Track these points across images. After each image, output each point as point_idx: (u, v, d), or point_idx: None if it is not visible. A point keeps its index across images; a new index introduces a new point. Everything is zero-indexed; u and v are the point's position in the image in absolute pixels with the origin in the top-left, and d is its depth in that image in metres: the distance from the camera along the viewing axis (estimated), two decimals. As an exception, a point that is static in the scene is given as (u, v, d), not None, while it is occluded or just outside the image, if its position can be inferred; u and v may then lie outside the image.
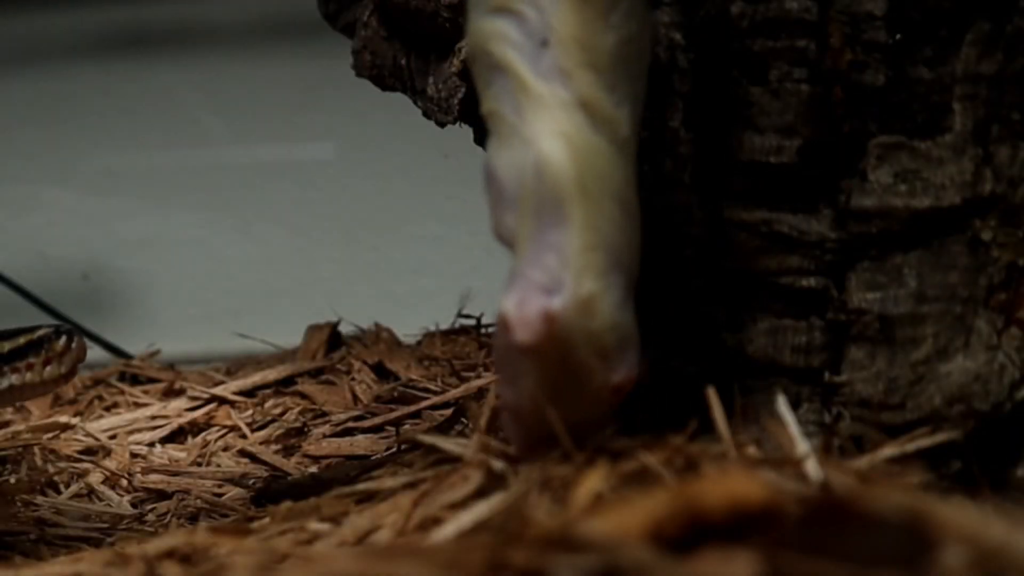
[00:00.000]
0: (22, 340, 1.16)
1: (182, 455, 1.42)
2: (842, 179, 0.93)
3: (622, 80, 0.86)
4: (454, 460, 0.88)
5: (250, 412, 1.50)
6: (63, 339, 1.17)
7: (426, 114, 1.26)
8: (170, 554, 0.86)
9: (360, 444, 1.39)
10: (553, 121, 0.84)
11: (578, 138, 0.84)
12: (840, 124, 0.93)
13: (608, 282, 0.84)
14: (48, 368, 1.16)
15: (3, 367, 1.16)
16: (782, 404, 0.87)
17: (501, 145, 0.87)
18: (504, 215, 0.88)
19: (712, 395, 0.86)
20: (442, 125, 1.24)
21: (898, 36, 0.91)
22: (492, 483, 0.83)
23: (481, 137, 1.25)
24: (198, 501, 1.28)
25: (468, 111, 1.21)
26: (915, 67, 0.92)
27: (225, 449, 1.42)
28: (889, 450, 0.85)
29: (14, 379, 1.15)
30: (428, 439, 0.90)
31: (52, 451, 1.40)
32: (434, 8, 1.19)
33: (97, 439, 1.43)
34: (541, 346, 0.84)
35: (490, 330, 1.69)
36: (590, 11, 0.85)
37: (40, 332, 1.17)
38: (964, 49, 0.92)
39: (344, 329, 1.72)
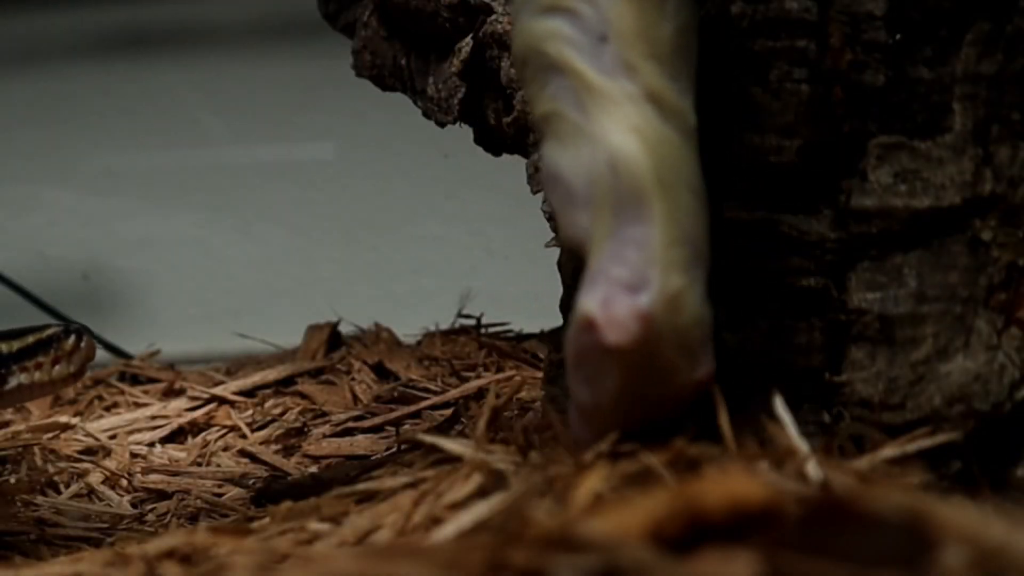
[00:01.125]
0: (31, 339, 1.16)
1: (182, 455, 1.42)
2: (842, 179, 0.93)
3: (683, 69, 0.84)
4: (454, 460, 0.88)
5: (250, 412, 1.50)
6: (72, 338, 1.16)
7: (426, 114, 1.26)
8: (170, 554, 0.86)
9: (360, 444, 1.39)
10: (623, 116, 0.83)
11: (650, 131, 0.83)
12: (840, 124, 0.93)
13: (693, 276, 0.83)
14: (57, 367, 1.15)
15: (12, 366, 1.15)
16: (780, 405, 0.87)
17: (564, 146, 0.85)
18: (576, 216, 0.85)
19: (718, 394, 0.86)
20: (442, 125, 1.25)
21: (898, 36, 0.91)
22: (492, 483, 0.83)
23: (481, 137, 1.25)
24: (198, 501, 1.28)
25: (468, 111, 1.21)
26: (915, 67, 0.92)
27: (225, 449, 1.42)
28: (889, 450, 0.85)
29: (23, 378, 1.15)
30: (428, 439, 0.90)
31: (52, 451, 1.40)
32: (434, 8, 1.19)
33: (97, 439, 1.43)
34: (632, 346, 0.82)
35: (490, 330, 1.69)
36: (647, 2, 0.83)
37: (49, 331, 1.17)
38: (964, 49, 0.92)
39: (344, 329, 1.72)
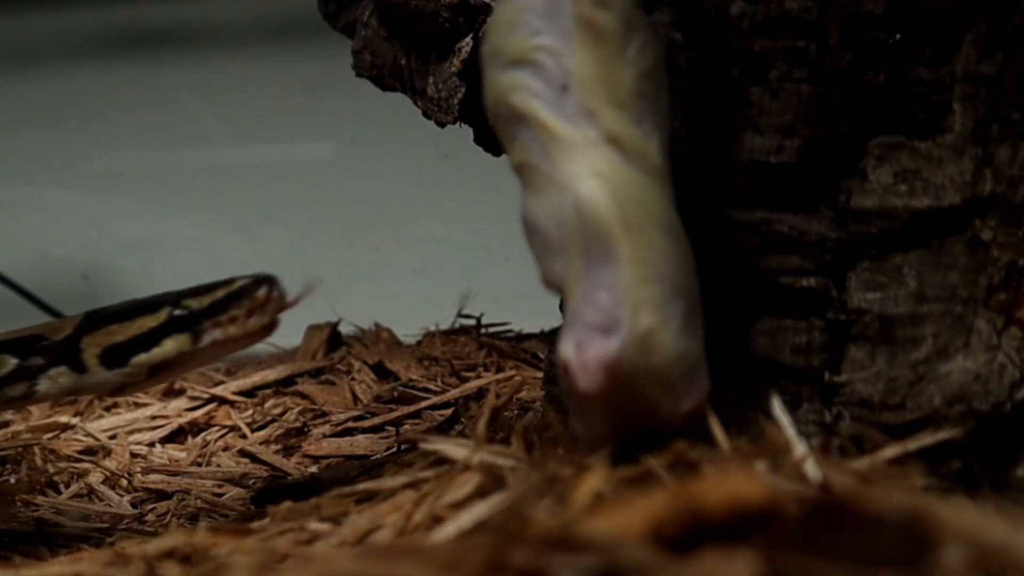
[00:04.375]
0: (220, 293, 1.10)
1: (182, 455, 1.42)
2: (842, 179, 0.93)
3: (647, 112, 0.86)
4: (454, 460, 0.88)
5: (250, 412, 1.50)
6: (264, 288, 1.11)
7: (426, 114, 1.26)
8: (170, 554, 0.86)
9: (360, 444, 1.39)
10: (586, 162, 0.84)
11: (613, 174, 0.84)
12: (840, 124, 0.93)
13: (666, 314, 0.84)
14: (252, 319, 1.09)
15: (204, 322, 1.09)
16: (778, 406, 0.87)
17: (537, 195, 0.86)
18: (552, 263, 0.87)
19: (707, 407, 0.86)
20: (442, 125, 1.24)
21: (897, 36, 0.91)
22: (492, 483, 0.83)
23: (481, 137, 1.25)
24: (198, 501, 1.27)
25: (468, 111, 1.21)
26: (915, 67, 0.92)
27: (225, 449, 1.42)
28: (889, 450, 0.85)
29: (217, 334, 1.09)
30: (429, 447, 0.90)
31: (52, 451, 1.40)
32: (434, 8, 1.19)
33: (97, 439, 1.43)
34: (603, 391, 0.84)
35: (490, 330, 1.69)
36: (605, 50, 0.85)
37: (238, 283, 1.11)
38: (964, 49, 0.92)
39: (344, 329, 1.72)
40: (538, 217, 0.86)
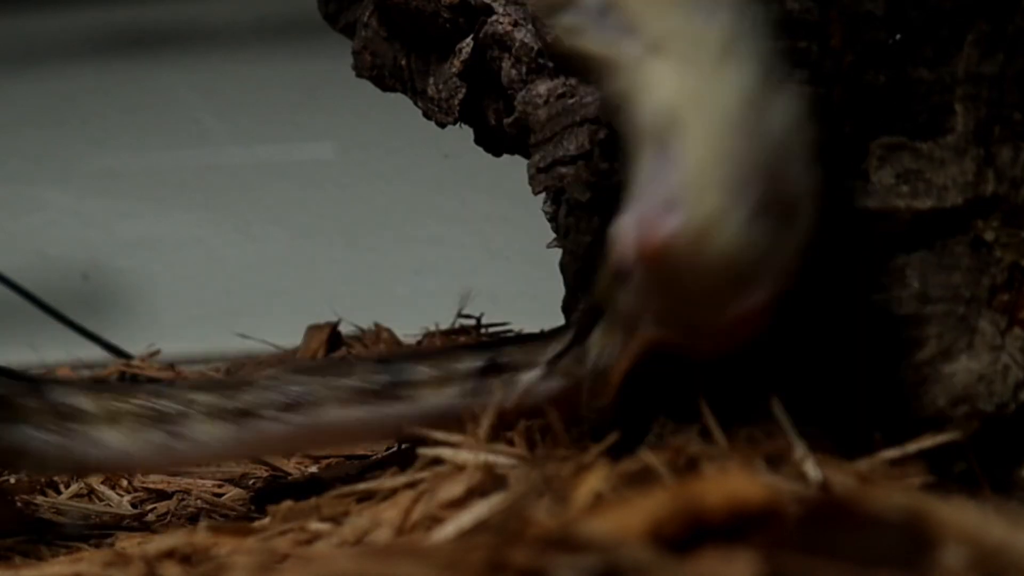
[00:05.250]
0: None
1: (182, 455, 1.41)
2: (844, 180, 0.93)
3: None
4: (454, 461, 0.88)
5: (250, 412, 1.49)
6: None
7: (426, 115, 1.26)
8: (170, 554, 0.86)
9: (360, 444, 1.39)
10: (651, 70, 0.81)
11: (677, 71, 0.80)
12: (842, 125, 0.93)
13: (735, 199, 0.78)
14: None
15: None
16: (778, 406, 0.87)
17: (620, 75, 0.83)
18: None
19: (703, 404, 0.86)
20: (442, 126, 1.25)
21: (897, 36, 0.91)
22: (492, 483, 0.83)
23: (481, 137, 1.25)
24: (198, 501, 1.27)
25: (469, 112, 1.21)
26: (916, 68, 0.92)
27: (225, 449, 1.42)
28: (890, 451, 0.85)
29: None
30: (429, 452, 0.90)
31: (52, 451, 1.39)
32: (435, 8, 1.19)
33: (97, 439, 1.43)
34: (658, 270, 0.79)
35: (490, 330, 1.69)
36: None
37: None
38: (965, 50, 0.92)
39: (344, 329, 1.72)
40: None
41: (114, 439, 1.08)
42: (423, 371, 1.07)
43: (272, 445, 1.15)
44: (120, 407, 1.08)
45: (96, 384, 1.25)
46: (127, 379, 1.66)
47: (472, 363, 1.06)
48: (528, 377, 1.01)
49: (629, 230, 0.80)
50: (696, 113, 0.80)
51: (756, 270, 0.80)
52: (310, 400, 1.08)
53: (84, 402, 1.09)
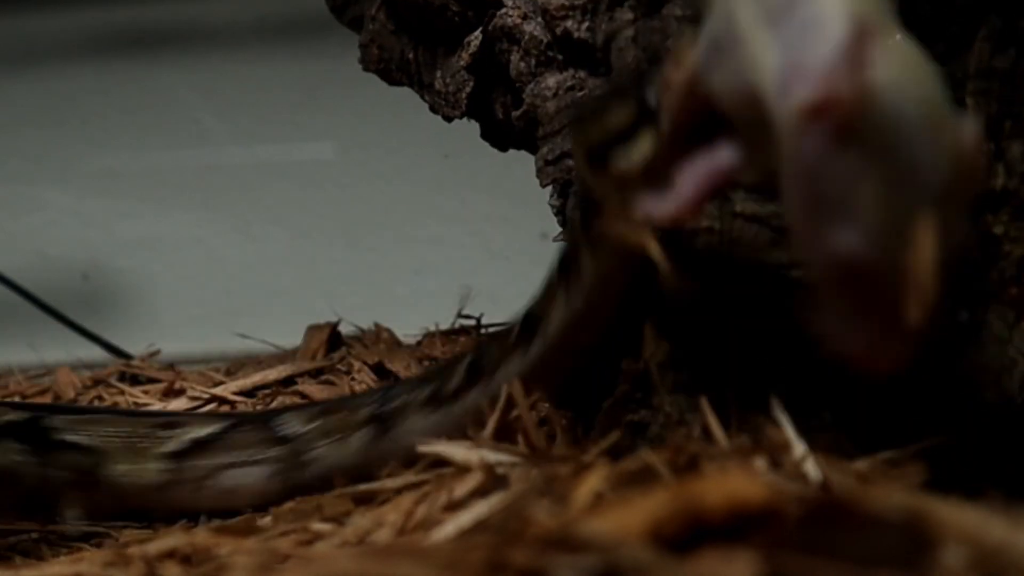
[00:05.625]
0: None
1: (182, 455, 1.41)
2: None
3: None
4: (454, 461, 0.88)
5: (250, 412, 1.50)
6: None
7: (433, 108, 1.26)
8: (170, 554, 0.86)
9: (360, 444, 1.39)
10: None
11: None
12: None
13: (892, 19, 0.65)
14: None
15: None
16: (777, 406, 0.87)
17: None
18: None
19: (704, 403, 0.86)
20: (449, 120, 1.24)
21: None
22: (492, 483, 0.83)
23: (488, 132, 1.25)
24: (198, 501, 1.27)
25: (476, 106, 1.21)
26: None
27: (225, 449, 1.42)
28: (891, 451, 0.85)
29: None
30: (428, 449, 0.90)
31: (52, 451, 1.39)
32: (443, 2, 1.19)
33: (97, 439, 1.43)
34: (843, 112, 0.60)
35: (490, 330, 1.69)
36: None
37: None
38: (976, 45, 0.92)
39: (344, 329, 1.71)
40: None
41: None
42: None
43: None
44: None
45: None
46: (127, 379, 1.66)
47: None
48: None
49: (778, 74, 0.63)
50: None
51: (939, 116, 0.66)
52: None
53: None
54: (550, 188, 1.11)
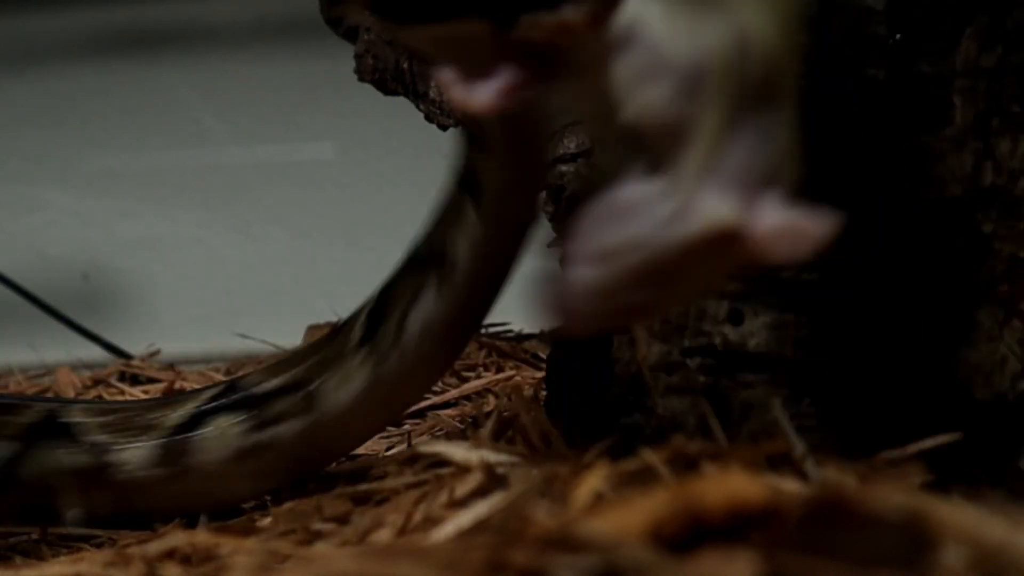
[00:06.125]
0: None
1: (182, 455, 1.41)
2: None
3: None
4: (454, 461, 0.88)
5: (250, 412, 1.49)
6: None
7: (428, 118, 1.26)
8: (170, 554, 0.86)
9: (360, 444, 1.38)
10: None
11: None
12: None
13: None
14: None
15: None
16: (778, 405, 0.87)
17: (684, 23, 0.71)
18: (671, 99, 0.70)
19: (705, 404, 0.86)
20: (444, 128, 1.25)
21: (897, 36, 0.91)
22: (492, 483, 0.83)
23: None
24: (198, 501, 1.27)
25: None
26: (916, 62, 0.92)
27: (225, 449, 1.42)
28: (891, 451, 0.85)
29: None
30: (428, 449, 0.90)
31: (52, 451, 1.39)
32: (435, 10, 1.19)
33: (97, 439, 1.43)
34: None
35: (490, 330, 1.69)
36: None
37: None
38: (964, 43, 0.92)
39: (344, 329, 1.71)
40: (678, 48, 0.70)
41: None
42: None
43: None
44: None
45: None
46: (127, 379, 1.66)
47: None
48: None
49: (739, 216, 0.68)
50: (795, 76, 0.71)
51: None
52: None
53: None
54: (543, 194, 1.11)
